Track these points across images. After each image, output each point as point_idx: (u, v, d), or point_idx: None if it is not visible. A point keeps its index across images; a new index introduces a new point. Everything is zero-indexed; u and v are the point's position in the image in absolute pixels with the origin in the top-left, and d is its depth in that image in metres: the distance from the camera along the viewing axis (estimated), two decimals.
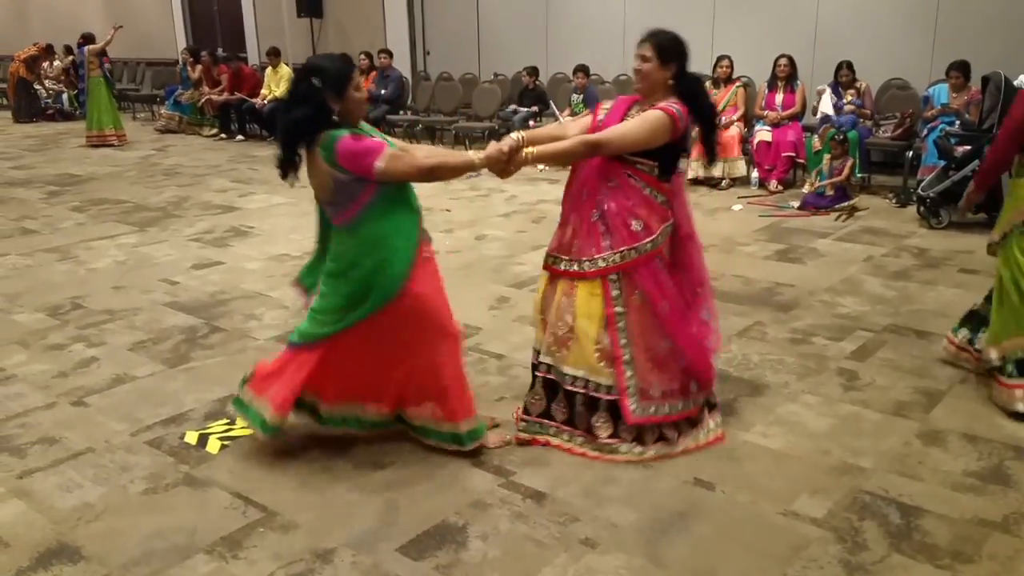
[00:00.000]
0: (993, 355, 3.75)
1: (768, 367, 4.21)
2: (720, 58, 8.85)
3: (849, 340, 4.52)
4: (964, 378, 4.04)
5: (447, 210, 7.78)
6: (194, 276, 5.90)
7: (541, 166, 8.60)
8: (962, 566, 2.69)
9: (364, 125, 3.24)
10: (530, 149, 3.15)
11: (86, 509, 3.09)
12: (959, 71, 7.52)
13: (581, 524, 2.95)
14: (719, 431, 3.53)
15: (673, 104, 3.20)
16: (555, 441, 3.44)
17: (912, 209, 7.26)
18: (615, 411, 3.35)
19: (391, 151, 3.04)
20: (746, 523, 2.95)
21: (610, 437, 3.38)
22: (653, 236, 3.26)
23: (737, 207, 7.76)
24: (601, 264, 3.26)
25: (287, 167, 3.17)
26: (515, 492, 3.15)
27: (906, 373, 4.11)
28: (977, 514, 2.96)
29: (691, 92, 3.30)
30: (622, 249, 3.24)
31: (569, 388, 3.39)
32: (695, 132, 3.45)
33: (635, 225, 3.24)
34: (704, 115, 3.39)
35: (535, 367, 3.52)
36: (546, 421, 3.48)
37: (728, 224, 7.15)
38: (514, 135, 3.20)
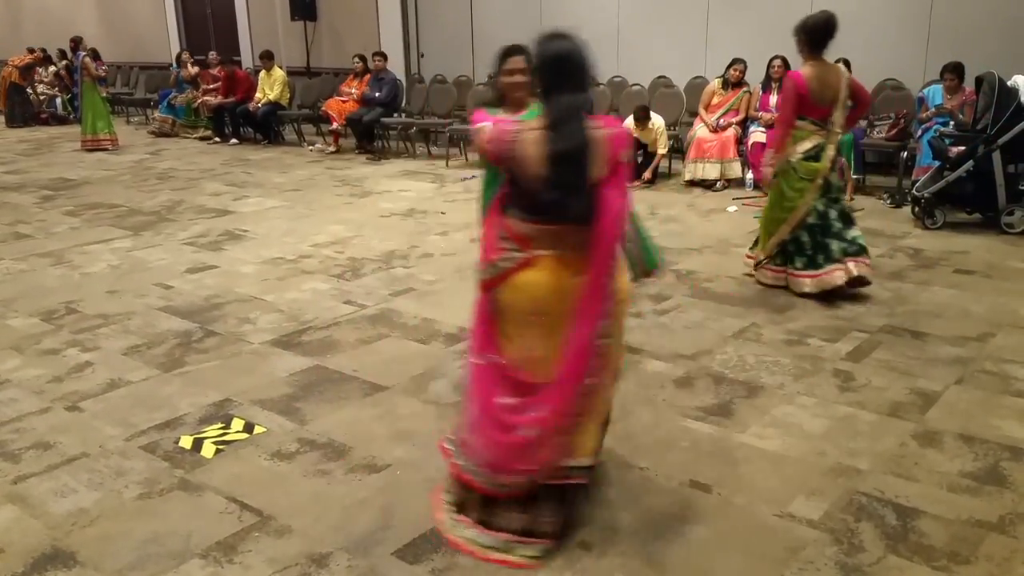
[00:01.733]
0: (762, 256, 5.36)
1: (764, 368, 4.20)
2: (735, 61, 8.83)
3: (845, 341, 4.52)
4: (960, 379, 4.04)
5: (442, 213, 7.78)
6: (188, 280, 5.88)
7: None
8: (958, 567, 2.69)
9: (534, 108, 2.99)
10: None
11: (81, 514, 3.07)
12: (953, 73, 7.53)
13: (577, 527, 2.94)
14: (525, 560, 2.82)
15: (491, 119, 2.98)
16: None
17: (907, 210, 7.27)
18: None
19: (483, 126, 2.91)
20: (742, 525, 2.95)
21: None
22: (483, 266, 2.87)
23: (732, 208, 7.76)
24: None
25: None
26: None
27: (902, 374, 4.11)
28: (973, 515, 2.96)
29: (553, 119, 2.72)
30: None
31: None
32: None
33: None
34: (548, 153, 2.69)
35: None
36: None
37: (723, 225, 7.15)
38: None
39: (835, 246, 5.10)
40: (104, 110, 12.40)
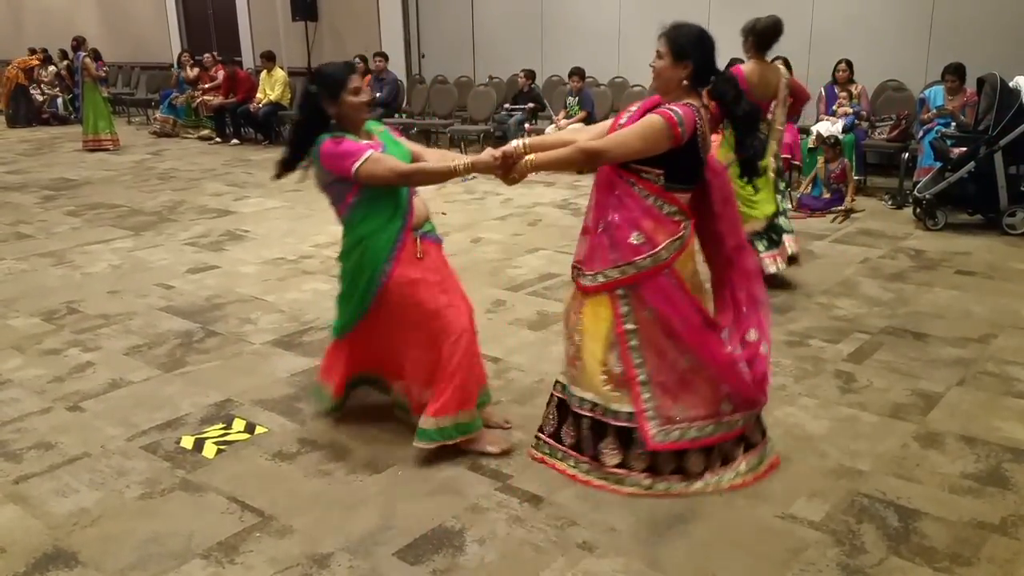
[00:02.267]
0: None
1: None
2: (733, 62, 8.77)
3: (846, 342, 4.52)
4: (962, 380, 4.04)
5: (443, 213, 7.76)
6: (190, 280, 5.88)
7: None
8: (960, 569, 2.69)
9: (372, 125, 3.40)
10: (530, 157, 3.09)
11: (82, 514, 3.08)
12: (954, 75, 7.54)
13: (579, 528, 2.94)
14: (748, 476, 3.21)
15: (676, 107, 2.95)
16: (560, 466, 3.28)
17: (908, 211, 7.27)
18: (625, 438, 3.14)
19: (371, 155, 3.14)
20: (744, 526, 2.95)
21: (618, 466, 3.16)
22: (655, 251, 3.01)
23: None
24: (601, 279, 3.10)
25: (284, 168, 3.40)
26: (512, 496, 3.14)
27: (903, 375, 4.10)
28: (975, 517, 2.96)
29: (719, 93, 3.07)
30: (621, 264, 3.05)
31: (576, 410, 3.23)
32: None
33: (635, 239, 3.03)
34: (734, 119, 3.11)
35: (555, 385, 3.40)
36: (554, 443, 3.34)
37: None
38: (515, 142, 3.15)
39: (784, 225, 5.47)
40: (105, 110, 12.41)
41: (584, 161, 3.14)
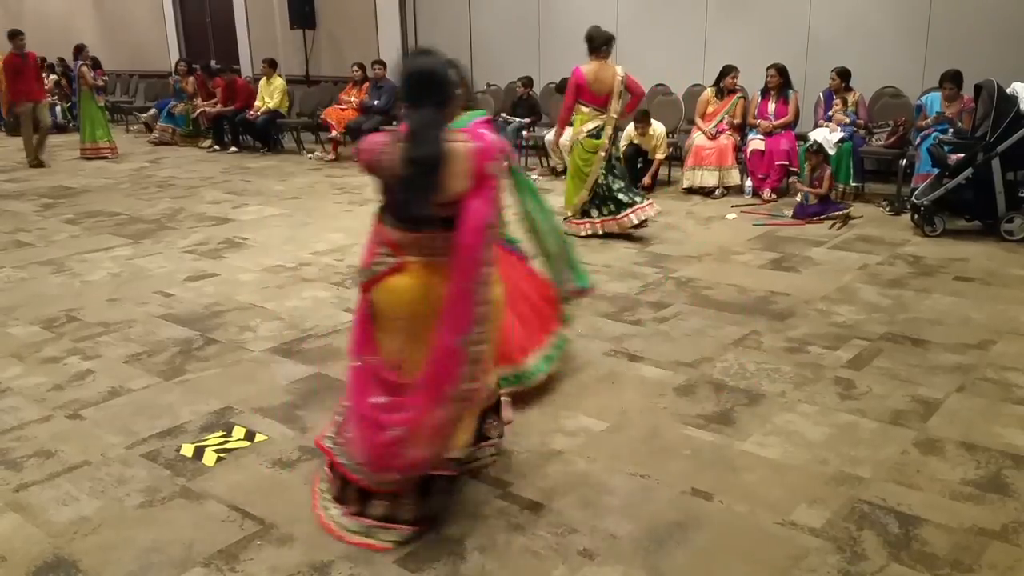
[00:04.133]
0: (569, 211, 7.04)
1: (764, 376, 4.21)
2: (730, 68, 8.83)
3: (845, 349, 4.53)
4: (961, 386, 4.04)
5: None
6: (189, 288, 5.88)
7: None
8: (961, 575, 2.69)
9: (466, 113, 3.40)
10: None
11: (83, 522, 3.07)
12: (951, 82, 7.55)
13: (579, 535, 2.94)
14: (385, 543, 2.94)
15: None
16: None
17: (906, 217, 7.28)
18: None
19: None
20: (744, 533, 2.95)
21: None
22: (362, 268, 3.08)
23: (731, 216, 7.77)
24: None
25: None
26: (512, 503, 3.14)
27: (903, 382, 4.11)
28: (976, 523, 2.96)
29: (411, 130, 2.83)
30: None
31: None
32: None
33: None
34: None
35: None
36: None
37: (722, 233, 7.16)
38: None
39: (623, 198, 6.83)
40: (102, 119, 12.41)
41: None
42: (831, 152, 7.89)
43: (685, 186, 8.77)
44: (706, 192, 8.64)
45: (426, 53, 2.90)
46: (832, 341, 4.64)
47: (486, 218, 2.81)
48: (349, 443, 3.04)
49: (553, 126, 9.84)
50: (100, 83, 12.51)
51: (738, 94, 8.88)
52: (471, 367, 2.82)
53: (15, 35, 11.38)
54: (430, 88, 2.82)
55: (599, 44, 6.74)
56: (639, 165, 8.85)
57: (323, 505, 3.12)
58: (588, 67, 6.73)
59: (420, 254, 2.90)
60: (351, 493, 3.05)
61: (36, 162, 11.56)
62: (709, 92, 8.99)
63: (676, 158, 9.31)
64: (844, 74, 8.31)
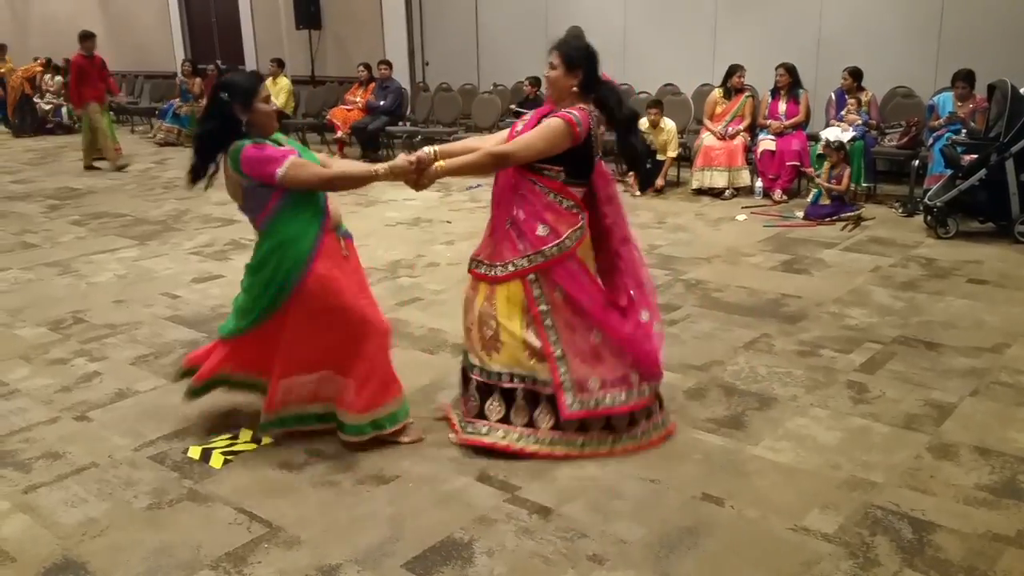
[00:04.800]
0: None
1: (776, 380, 4.17)
2: (736, 67, 8.79)
3: (858, 352, 4.49)
4: (975, 390, 4.00)
5: (448, 222, 7.77)
6: (195, 290, 5.87)
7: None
8: None
9: (279, 136, 3.49)
10: (440, 163, 3.33)
11: (91, 524, 3.06)
12: (964, 81, 7.50)
13: (588, 540, 2.91)
14: (667, 427, 3.63)
15: (573, 110, 3.32)
16: (488, 440, 3.48)
17: (919, 219, 7.23)
18: (555, 405, 3.43)
19: (293, 160, 3.28)
20: (756, 539, 2.91)
21: (552, 429, 3.45)
22: (560, 240, 3.37)
23: (741, 217, 7.73)
24: (512, 268, 3.42)
25: (197, 175, 3.47)
26: (521, 507, 3.12)
27: (916, 385, 4.07)
28: (991, 529, 2.92)
29: (600, 99, 3.43)
30: (529, 254, 3.39)
31: (507, 386, 3.47)
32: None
33: (541, 230, 3.38)
34: (616, 121, 3.50)
35: (466, 369, 3.63)
36: (479, 421, 3.53)
37: (732, 234, 7.12)
38: (427, 149, 3.36)
39: None
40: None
41: (493, 165, 3.41)
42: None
43: (694, 187, 8.73)
44: (715, 193, 8.60)
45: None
46: (844, 344, 4.60)
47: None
48: (606, 384, 3.44)
49: None
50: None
51: (747, 93, 8.83)
52: None
53: (86, 37, 11.21)
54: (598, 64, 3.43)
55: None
56: (648, 166, 8.80)
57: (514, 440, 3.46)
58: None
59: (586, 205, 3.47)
60: (619, 423, 3.50)
61: (92, 164, 11.40)
62: (717, 93, 8.95)
63: (685, 159, 9.27)
64: (856, 74, 8.26)
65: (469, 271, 3.60)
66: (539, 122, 3.41)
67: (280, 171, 3.24)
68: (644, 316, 3.55)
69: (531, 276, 3.40)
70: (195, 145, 3.45)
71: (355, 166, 3.68)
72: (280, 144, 3.41)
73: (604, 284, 3.57)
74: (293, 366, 3.49)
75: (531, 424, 3.47)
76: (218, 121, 3.34)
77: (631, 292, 3.54)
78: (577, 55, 3.40)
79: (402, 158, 3.37)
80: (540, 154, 3.32)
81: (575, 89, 3.39)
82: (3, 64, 15.96)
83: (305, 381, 3.52)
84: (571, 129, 3.28)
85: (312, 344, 3.45)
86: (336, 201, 3.55)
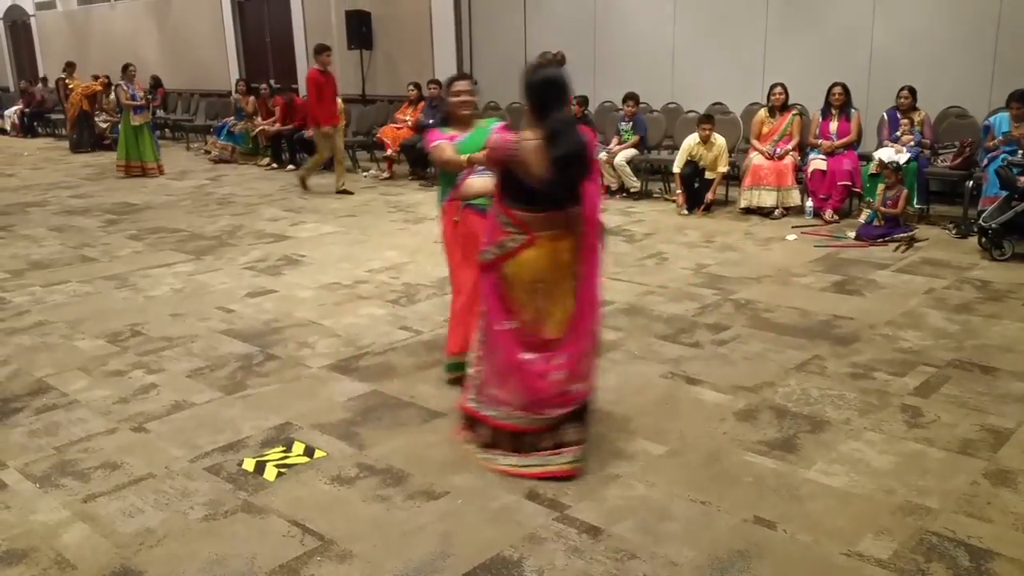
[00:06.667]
0: None
1: (828, 403, 4.12)
2: (773, 86, 8.78)
3: (912, 375, 4.42)
4: None
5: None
6: (249, 304, 5.97)
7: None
8: None
9: (489, 121, 4.32)
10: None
11: (148, 534, 3.12)
12: (1020, 101, 7.36)
13: (639, 561, 2.90)
14: (565, 467, 3.48)
15: (499, 133, 3.66)
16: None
17: (973, 240, 7.10)
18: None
19: (438, 144, 4.12)
20: (809, 564, 2.88)
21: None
22: (487, 248, 3.57)
23: (791, 237, 7.66)
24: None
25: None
26: (570, 526, 3.12)
27: (971, 410, 4.00)
28: None
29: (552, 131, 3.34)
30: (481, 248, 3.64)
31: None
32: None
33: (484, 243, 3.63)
34: (551, 158, 3.31)
35: None
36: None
37: (782, 254, 7.06)
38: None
39: None
40: (144, 137, 12.52)
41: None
42: None
43: (742, 206, 8.67)
44: (764, 212, 8.53)
45: (549, 65, 3.51)
46: (898, 367, 4.53)
47: (597, 194, 3.59)
48: (494, 398, 3.58)
49: (608, 144, 9.89)
50: (134, 102, 12.46)
51: (794, 112, 8.77)
52: (599, 311, 3.65)
53: (322, 50, 10.48)
54: (557, 94, 3.42)
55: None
56: (696, 185, 8.78)
57: (484, 458, 3.60)
58: None
59: (546, 229, 3.44)
60: (503, 439, 3.57)
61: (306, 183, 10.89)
62: (763, 112, 8.91)
63: (734, 177, 9.22)
64: (914, 92, 8.17)
65: None
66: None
67: (429, 148, 4.20)
68: (558, 360, 3.48)
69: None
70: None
71: (456, 158, 4.12)
72: (471, 127, 4.21)
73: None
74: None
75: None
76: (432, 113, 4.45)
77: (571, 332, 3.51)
78: (528, 84, 3.43)
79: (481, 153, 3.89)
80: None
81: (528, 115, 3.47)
82: (72, 80, 16.44)
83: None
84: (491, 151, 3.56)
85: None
86: (479, 180, 4.00)
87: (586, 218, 3.46)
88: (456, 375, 4.17)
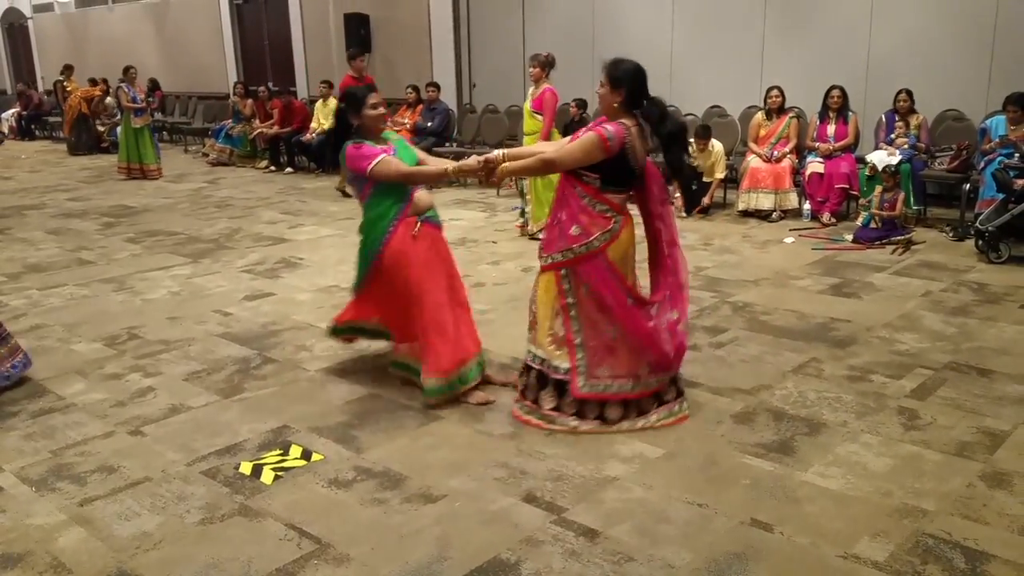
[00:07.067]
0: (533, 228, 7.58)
1: (825, 405, 4.13)
2: (769, 89, 8.80)
3: (908, 378, 4.43)
4: None
5: (493, 242, 7.81)
6: (246, 307, 5.97)
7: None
8: None
9: (389, 134, 4.30)
10: (506, 164, 3.89)
11: (144, 538, 3.12)
12: (1016, 104, 7.38)
13: (636, 564, 2.90)
14: (657, 423, 3.93)
15: (609, 125, 3.73)
16: (514, 408, 4.08)
17: (970, 243, 7.11)
18: (561, 389, 3.91)
19: (383, 158, 4.02)
20: (806, 566, 2.88)
21: (552, 410, 3.92)
22: (589, 240, 3.78)
23: (789, 240, 7.67)
24: (549, 261, 3.91)
25: (322, 162, 4.23)
26: (568, 529, 3.12)
27: (968, 412, 4.00)
28: None
29: (645, 114, 3.81)
30: (563, 249, 3.84)
31: (529, 364, 4.02)
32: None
33: (574, 230, 3.80)
34: (660, 135, 3.84)
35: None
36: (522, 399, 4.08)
37: (780, 257, 7.07)
38: (497, 151, 3.94)
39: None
40: (144, 140, 12.54)
41: (543, 169, 4.09)
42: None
43: (740, 209, 8.68)
44: (762, 215, 8.54)
45: (624, 59, 3.86)
46: (895, 370, 4.54)
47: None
48: (611, 375, 3.89)
49: None
50: (133, 104, 12.48)
51: (791, 115, 8.78)
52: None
53: (355, 56, 10.48)
54: (646, 81, 3.82)
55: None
56: (694, 187, 8.78)
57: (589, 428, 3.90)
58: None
59: (627, 207, 3.88)
60: (617, 409, 3.92)
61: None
62: (760, 115, 8.92)
63: (732, 180, 9.23)
64: (911, 95, 8.19)
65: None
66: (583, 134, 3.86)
67: (370, 166, 3.99)
68: (673, 315, 3.94)
69: (563, 271, 3.86)
70: (327, 141, 4.18)
71: (431, 165, 4.23)
72: (387, 141, 4.20)
73: (651, 278, 4.05)
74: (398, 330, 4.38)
75: (535, 401, 3.98)
76: (337, 125, 4.26)
77: (668, 292, 3.95)
78: (621, 74, 3.78)
79: (473, 158, 3.97)
80: (578, 163, 3.75)
81: (616, 105, 3.77)
82: (70, 83, 16.46)
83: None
84: (602, 142, 3.68)
85: (396, 312, 4.27)
86: (425, 192, 4.23)
87: (660, 194, 3.95)
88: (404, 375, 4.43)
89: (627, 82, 3.76)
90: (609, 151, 3.69)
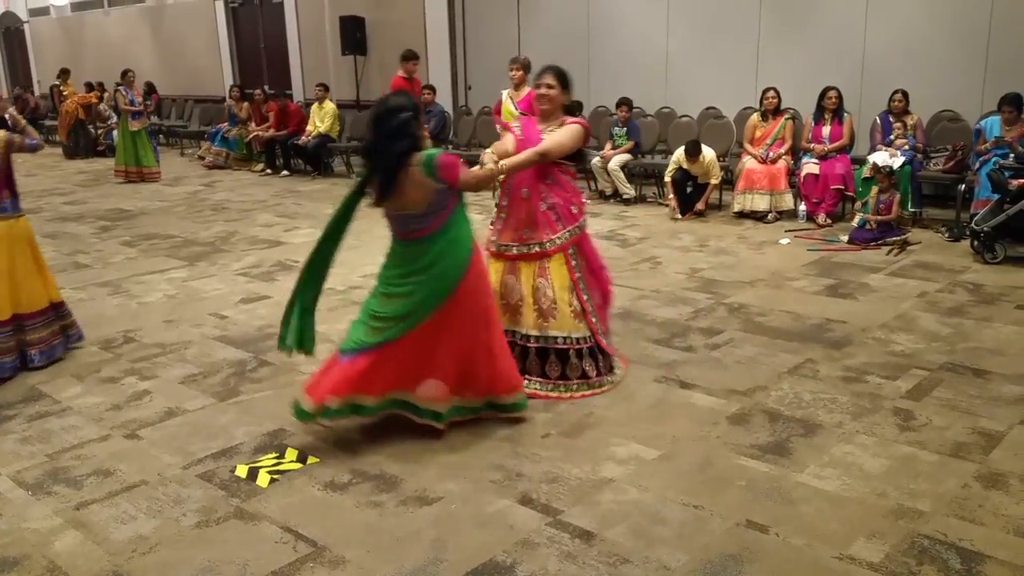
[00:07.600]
0: None
1: (821, 406, 4.13)
2: (766, 90, 8.80)
3: (904, 379, 4.43)
4: None
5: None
6: (242, 310, 5.97)
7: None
8: None
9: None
10: (503, 162, 4.07)
11: (140, 541, 3.12)
12: (1011, 105, 7.40)
13: (631, 566, 2.90)
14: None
15: (580, 120, 4.31)
16: (542, 392, 4.27)
17: (965, 243, 7.12)
18: (589, 356, 4.32)
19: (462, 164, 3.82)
20: (801, 567, 2.89)
21: (558, 379, 4.29)
22: (584, 216, 4.35)
23: (784, 241, 7.68)
24: (558, 243, 4.24)
25: (388, 189, 3.73)
26: (563, 531, 3.12)
27: (963, 413, 4.01)
28: None
29: (570, 110, 4.46)
30: (571, 227, 4.27)
31: (560, 347, 4.27)
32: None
33: (574, 209, 4.30)
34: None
35: (518, 341, 4.30)
36: (533, 377, 4.30)
37: (775, 258, 7.08)
38: (488, 152, 4.13)
39: None
40: (141, 143, 12.51)
41: (538, 161, 4.15)
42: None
43: (736, 210, 8.69)
44: (758, 216, 8.55)
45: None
46: (891, 371, 4.54)
47: None
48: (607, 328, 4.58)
49: (601, 150, 9.91)
50: (132, 108, 12.42)
51: (786, 116, 8.79)
52: None
53: (409, 57, 9.93)
54: None
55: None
56: (688, 190, 8.80)
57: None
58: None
59: None
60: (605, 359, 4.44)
61: None
62: (756, 116, 8.93)
63: (728, 182, 9.24)
64: (907, 96, 8.20)
65: (501, 256, 4.33)
66: (541, 130, 4.27)
67: (462, 174, 3.73)
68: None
69: (571, 249, 4.29)
70: (387, 164, 3.66)
71: (485, 170, 3.98)
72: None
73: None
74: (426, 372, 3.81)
75: (562, 376, 4.31)
76: (408, 139, 3.64)
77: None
78: (568, 78, 4.31)
79: (488, 156, 4.06)
80: (566, 152, 4.21)
81: (563, 103, 4.33)
82: (66, 87, 16.46)
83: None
84: (587, 132, 4.30)
85: (455, 346, 3.78)
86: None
87: None
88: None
89: (570, 85, 4.34)
90: (587, 140, 4.32)
